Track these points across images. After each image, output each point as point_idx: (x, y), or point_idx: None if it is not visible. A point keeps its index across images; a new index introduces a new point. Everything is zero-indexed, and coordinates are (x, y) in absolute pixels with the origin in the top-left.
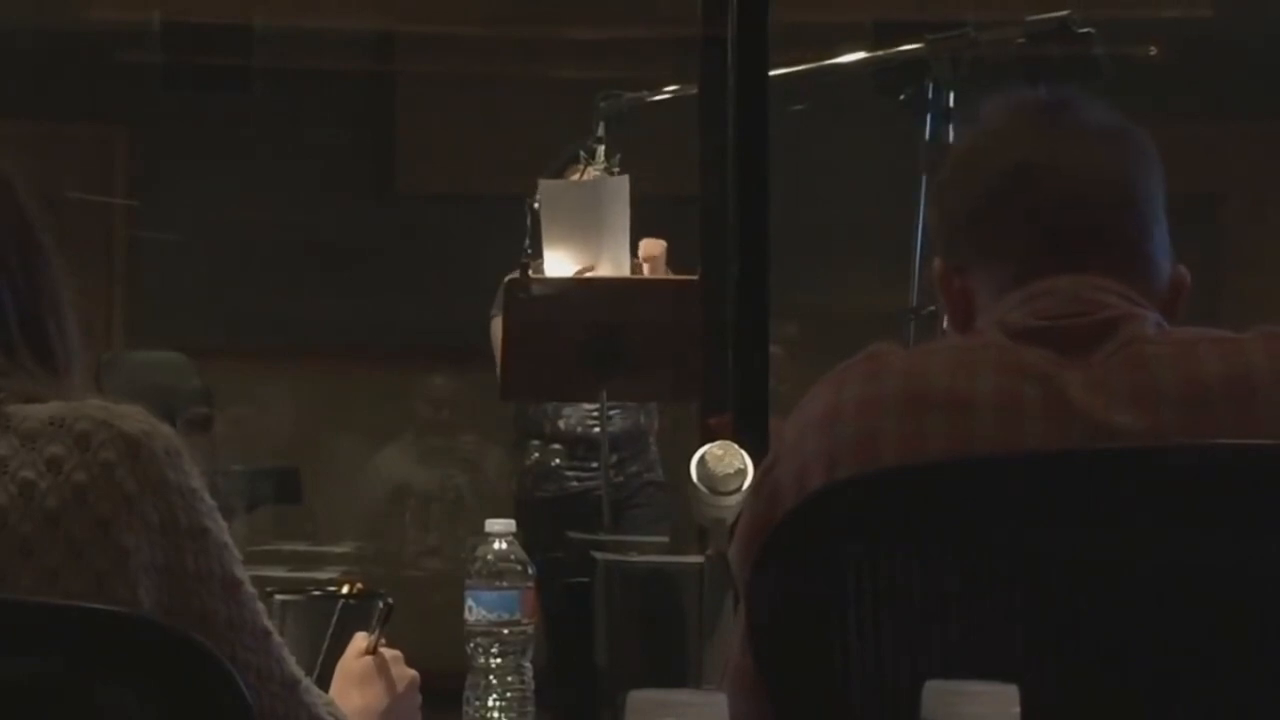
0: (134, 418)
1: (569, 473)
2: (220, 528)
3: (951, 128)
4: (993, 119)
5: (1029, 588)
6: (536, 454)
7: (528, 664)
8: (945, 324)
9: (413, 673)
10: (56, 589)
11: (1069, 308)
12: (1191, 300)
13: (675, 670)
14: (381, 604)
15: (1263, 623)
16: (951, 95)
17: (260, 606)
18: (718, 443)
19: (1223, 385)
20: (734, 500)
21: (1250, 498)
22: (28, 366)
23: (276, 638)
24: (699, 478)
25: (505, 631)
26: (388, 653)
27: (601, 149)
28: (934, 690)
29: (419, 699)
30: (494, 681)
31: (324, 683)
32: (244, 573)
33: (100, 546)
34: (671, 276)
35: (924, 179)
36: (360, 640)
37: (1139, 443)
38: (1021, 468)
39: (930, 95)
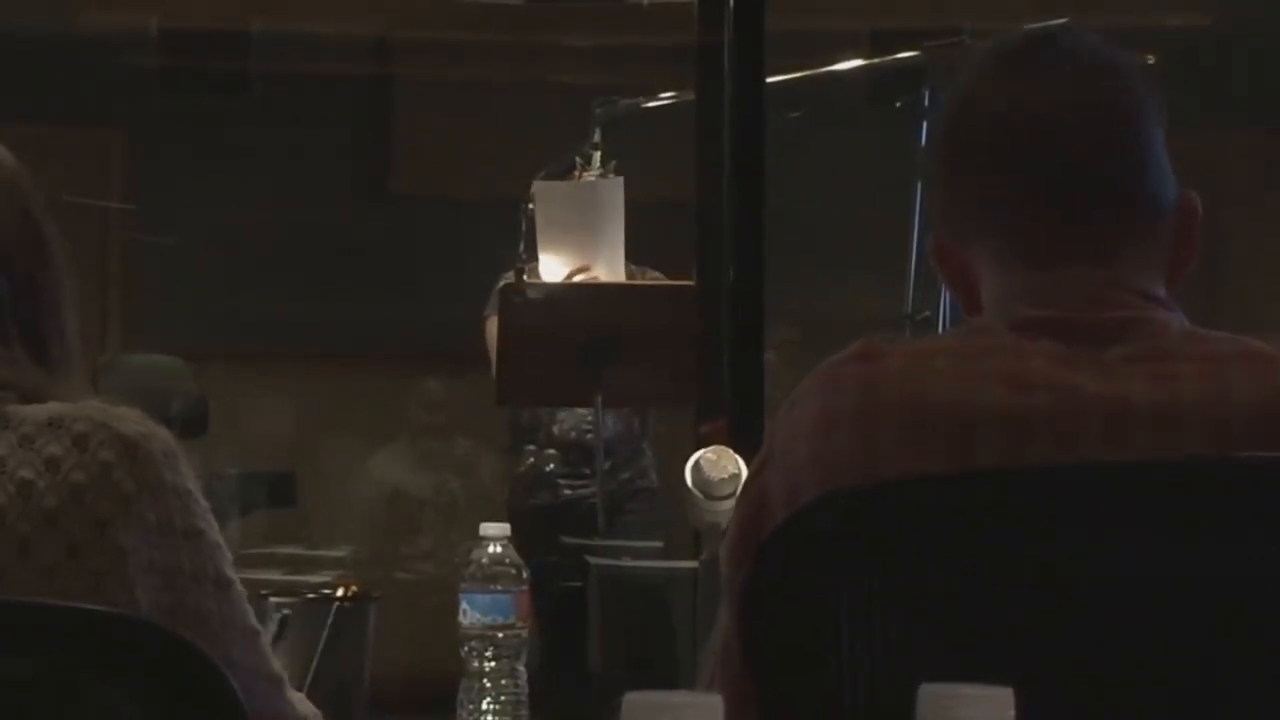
0: (132, 419)
1: (562, 480)
2: (213, 529)
3: None
4: (972, 70)
5: (1027, 598)
6: (531, 459)
7: (522, 667)
8: (944, 314)
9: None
10: (54, 588)
11: (1080, 302)
12: (1192, 307)
13: (669, 674)
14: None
15: (1263, 632)
16: (973, 64)
17: (249, 606)
18: (712, 448)
19: (1250, 405)
20: (728, 505)
21: (1254, 510)
22: (23, 365)
23: (263, 636)
24: (694, 483)
25: (499, 635)
26: None
27: (598, 154)
28: (929, 694)
29: None
30: (488, 685)
31: (319, 686)
32: (234, 573)
33: (98, 546)
34: (667, 281)
35: (920, 186)
36: None
37: (1155, 430)
38: (1019, 481)
39: (927, 103)
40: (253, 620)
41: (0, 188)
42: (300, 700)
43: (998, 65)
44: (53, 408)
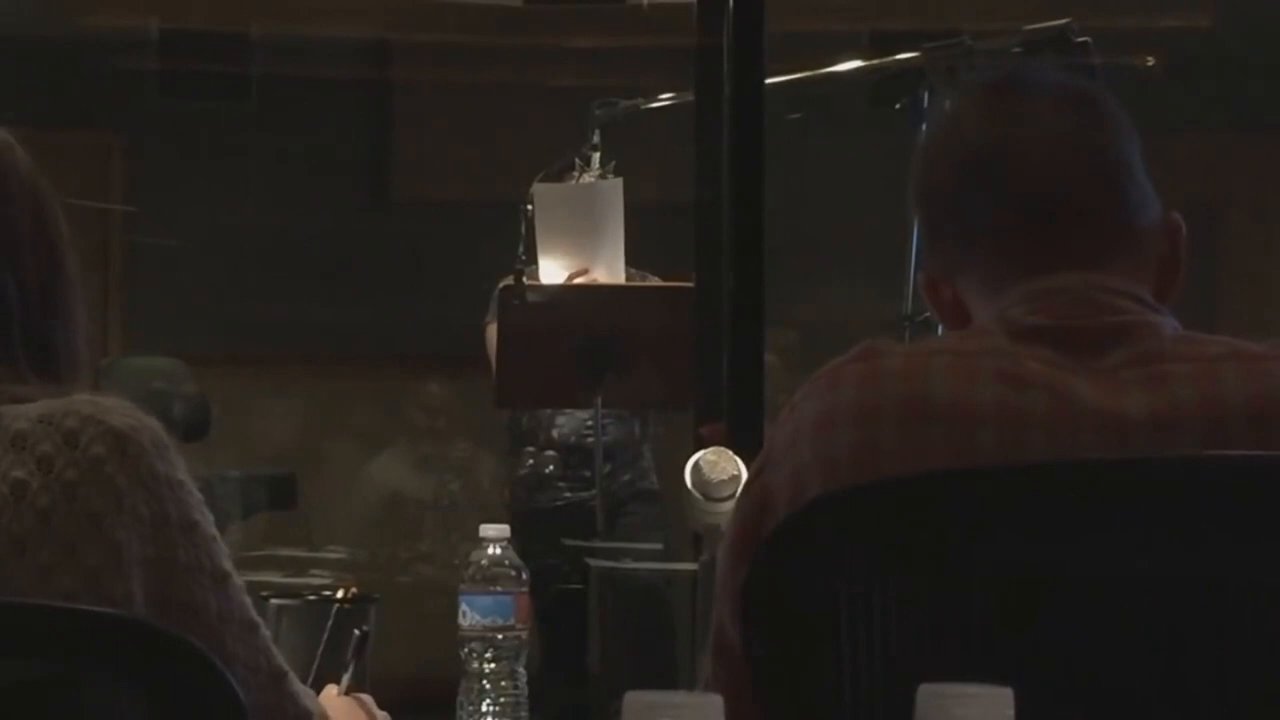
0: (120, 411)
1: (562, 483)
2: (208, 521)
3: None
4: (945, 112)
5: (1027, 598)
6: (531, 461)
7: (521, 669)
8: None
9: (384, 715)
10: (50, 586)
11: (1076, 308)
12: (1190, 312)
13: (668, 675)
14: (357, 630)
15: (1263, 631)
16: (947, 105)
17: (248, 600)
18: (712, 449)
19: (1245, 406)
20: (728, 506)
21: (1255, 509)
22: (25, 373)
23: (264, 630)
24: (693, 484)
25: (499, 636)
26: (362, 697)
27: (597, 156)
28: (929, 694)
29: None
30: (487, 686)
31: (318, 688)
32: (231, 566)
33: (92, 542)
34: (666, 283)
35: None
36: (332, 689)
37: (1151, 435)
38: (1020, 479)
39: (926, 104)
40: (251, 614)
41: (16, 191)
42: (307, 695)
43: (966, 107)
44: (43, 406)
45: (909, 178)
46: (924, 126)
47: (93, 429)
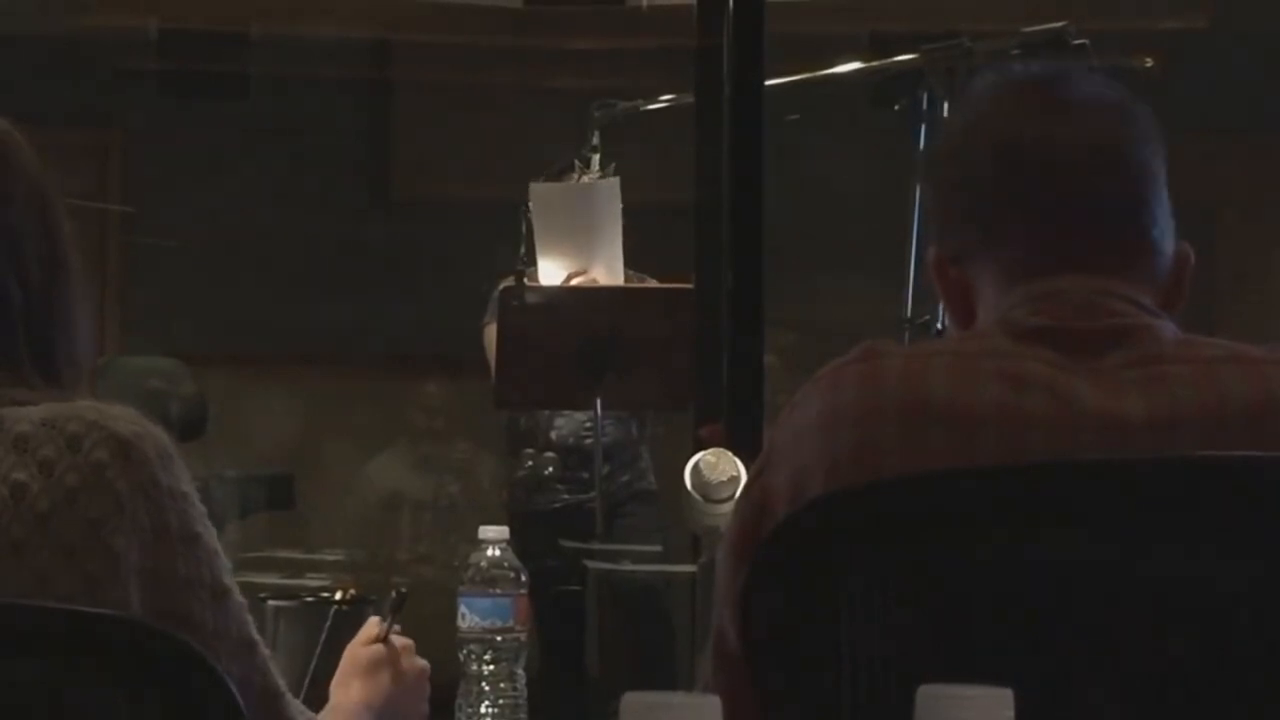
0: (125, 419)
1: (560, 484)
2: (211, 534)
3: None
4: (984, 96)
5: (1026, 598)
6: (530, 462)
7: (520, 671)
8: (943, 317)
9: (423, 663)
10: (48, 590)
11: (1077, 310)
12: (1188, 313)
13: (667, 677)
14: (395, 592)
15: (1260, 631)
16: (946, 106)
17: (248, 617)
18: (711, 450)
19: (1244, 408)
20: (727, 508)
21: (1249, 509)
22: (28, 375)
23: (262, 650)
24: (693, 485)
25: (498, 638)
26: (399, 641)
27: (596, 157)
28: (928, 694)
29: (427, 689)
30: (486, 689)
31: (317, 688)
32: (233, 582)
33: (91, 547)
34: (665, 285)
35: (918, 189)
36: (372, 626)
37: (1151, 436)
38: (1019, 479)
39: (925, 106)
40: (250, 631)
41: (21, 192)
42: (305, 716)
43: (1007, 95)
44: (46, 409)
45: (929, 156)
46: (922, 128)
47: (96, 434)
